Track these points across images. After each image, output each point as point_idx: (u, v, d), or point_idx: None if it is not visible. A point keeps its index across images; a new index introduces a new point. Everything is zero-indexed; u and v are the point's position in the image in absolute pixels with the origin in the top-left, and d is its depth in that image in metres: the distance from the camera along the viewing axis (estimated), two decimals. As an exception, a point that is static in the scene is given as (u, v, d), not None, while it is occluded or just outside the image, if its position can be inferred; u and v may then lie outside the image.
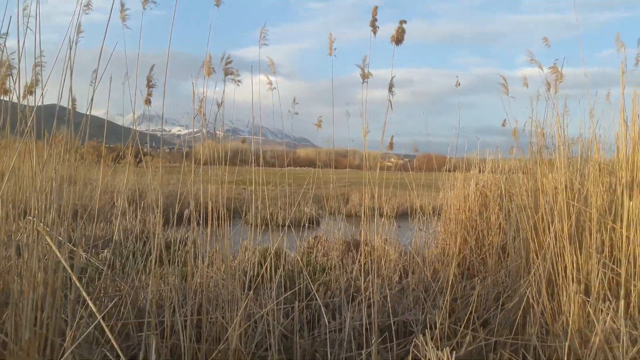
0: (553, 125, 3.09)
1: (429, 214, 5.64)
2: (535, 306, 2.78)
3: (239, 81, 2.83)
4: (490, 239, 4.55)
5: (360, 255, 5.27)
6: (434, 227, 5.29)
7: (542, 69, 3.16)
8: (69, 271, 1.80)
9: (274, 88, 3.08)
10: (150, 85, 2.43)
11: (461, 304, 3.28)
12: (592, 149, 3.06)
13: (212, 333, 2.22)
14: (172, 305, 2.15)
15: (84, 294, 1.64)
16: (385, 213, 6.05)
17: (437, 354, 1.82)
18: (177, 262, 3.32)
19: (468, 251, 4.65)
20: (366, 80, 2.54)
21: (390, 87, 2.49)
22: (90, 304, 1.58)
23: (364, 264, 5.04)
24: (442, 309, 2.58)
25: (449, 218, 5.05)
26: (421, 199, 5.88)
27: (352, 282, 4.43)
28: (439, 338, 2.44)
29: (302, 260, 5.30)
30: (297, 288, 3.71)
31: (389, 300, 3.73)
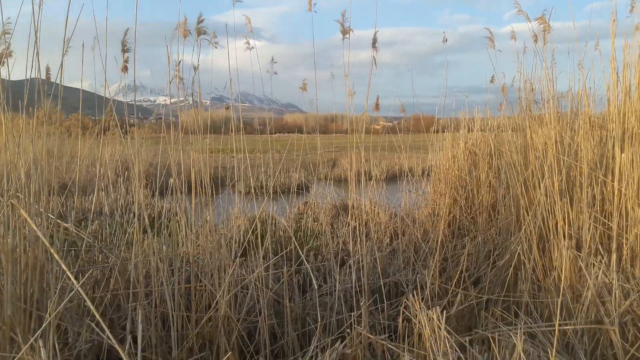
0: (542, 79, 3.01)
1: (419, 175, 5.60)
2: (527, 263, 2.76)
3: (216, 43, 2.71)
4: (480, 197, 4.52)
5: (350, 218, 5.25)
6: (423, 188, 5.26)
7: (530, 21, 3.06)
8: (46, 243, 1.73)
9: (252, 48, 2.96)
10: (125, 49, 2.30)
11: (452, 263, 3.27)
12: (582, 102, 3.00)
13: (201, 301, 2.18)
14: (160, 275, 2.09)
15: (63, 266, 1.57)
16: (374, 176, 6.01)
17: (427, 314, 1.78)
18: (165, 231, 3.26)
19: (458, 211, 4.63)
20: (347, 36, 2.43)
21: (374, 42, 2.38)
22: (69, 274, 1.52)
23: (354, 228, 5.02)
24: (432, 268, 2.55)
25: (438, 179, 5.01)
26: (410, 161, 5.83)
27: (341, 246, 4.41)
28: (429, 298, 2.42)
29: (291, 226, 5.27)
30: (284, 252, 3.68)
31: (378, 262, 3.71)
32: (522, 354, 1.75)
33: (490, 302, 2.61)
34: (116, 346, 1.21)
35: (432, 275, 2.87)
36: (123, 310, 2.42)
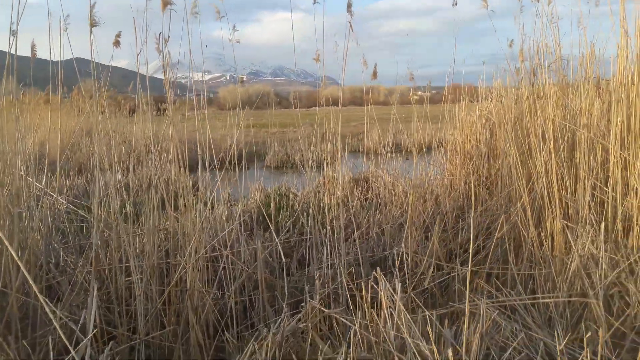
0: (542, 41, 2.85)
1: (440, 146, 5.47)
2: (525, 234, 2.67)
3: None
4: (497, 167, 4.38)
5: (361, 192, 5.21)
6: (441, 160, 5.14)
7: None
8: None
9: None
10: (93, 24, 2.31)
11: (452, 234, 3.20)
12: (585, 65, 2.82)
13: (174, 276, 2.20)
14: (132, 250, 2.14)
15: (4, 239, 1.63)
16: (405, 148, 5.93)
17: (387, 287, 1.76)
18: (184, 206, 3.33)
19: (475, 181, 4.51)
20: None
21: (349, 6, 2.31)
22: (7, 244, 1.58)
23: (367, 201, 4.98)
24: (410, 242, 2.50)
25: (455, 150, 4.88)
26: (439, 133, 5.68)
27: (352, 218, 4.40)
28: (407, 270, 2.38)
29: (308, 199, 5.28)
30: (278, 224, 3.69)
31: (387, 234, 3.69)
32: (484, 325, 1.70)
33: (476, 275, 2.55)
34: (45, 305, 1.26)
35: (431, 249, 2.82)
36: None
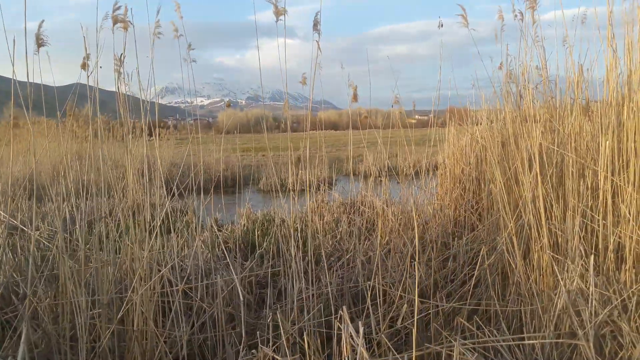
0: (526, 63, 2.72)
1: (431, 170, 5.32)
2: (514, 265, 2.50)
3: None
4: (486, 192, 4.23)
5: (348, 217, 5.04)
6: (430, 184, 4.99)
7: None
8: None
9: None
10: (40, 44, 2.19)
11: (436, 265, 3.02)
12: (572, 86, 2.68)
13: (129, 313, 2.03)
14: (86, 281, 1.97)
15: None
16: (401, 171, 5.78)
17: (350, 330, 1.58)
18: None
19: (464, 207, 4.35)
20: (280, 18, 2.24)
21: (315, 24, 2.19)
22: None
23: (359, 226, 4.81)
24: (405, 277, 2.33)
25: (445, 175, 4.74)
26: (430, 157, 5.55)
27: (336, 245, 4.23)
28: (379, 306, 2.20)
29: (293, 225, 5.11)
30: (256, 253, 3.53)
31: (377, 259, 3.51)
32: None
33: (462, 312, 2.37)
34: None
35: (389, 280, 2.65)
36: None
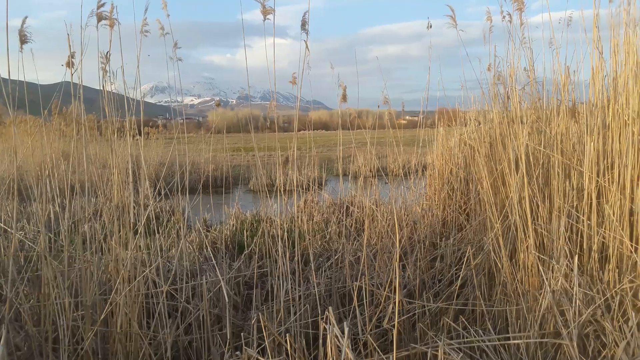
0: (514, 64, 2.74)
1: (420, 171, 5.34)
2: (500, 265, 2.51)
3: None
4: (476, 192, 4.25)
5: (337, 217, 5.03)
6: (420, 185, 5.00)
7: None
8: None
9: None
10: (24, 41, 2.16)
11: (423, 266, 3.02)
12: (559, 86, 2.70)
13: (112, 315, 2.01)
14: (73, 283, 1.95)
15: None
16: (390, 172, 5.79)
17: (335, 331, 1.58)
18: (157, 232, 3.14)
19: (453, 207, 4.36)
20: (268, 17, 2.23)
21: (303, 24, 2.18)
22: None
23: (347, 226, 4.81)
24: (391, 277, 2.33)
25: (434, 176, 4.75)
26: (419, 158, 5.57)
27: (325, 245, 4.23)
28: (366, 307, 2.20)
29: (282, 225, 5.10)
30: (244, 254, 3.52)
31: (363, 259, 3.51)
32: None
33: (449, 312, 2.37)
34: None
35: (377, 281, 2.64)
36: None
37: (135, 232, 2.25)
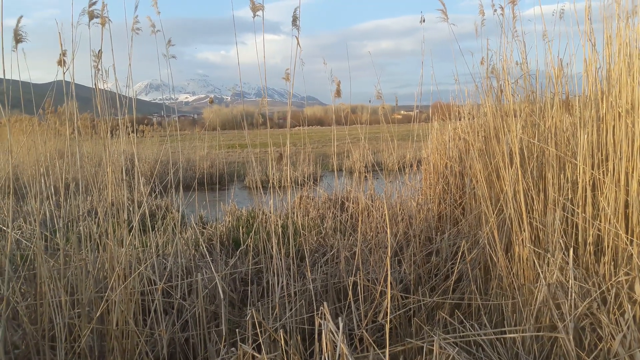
0: (506, 57, 2.74)
1: (415, 165, 5.34)
2: (495, 259, 2.51)
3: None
4: (471, 186, 4.25)
5: (333, 213, 5.03)
6: (415, 179, 5.00)
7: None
8: None
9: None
10: (18, 40, 2.15)
11: (420, 260, 3.03)
12: (553, 79, 2.70)
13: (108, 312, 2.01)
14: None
15: None
16: (385, 167, 5.78)
17: (329, 326, 1.58)
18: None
19: (448, 201, 4.37)
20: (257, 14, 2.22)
21: (294, 20, 2.17)
22: None
23: (342, 222, 4.81)
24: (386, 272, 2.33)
25: (429, 170, 4.75)
26: (415, 153, 5.58)
27: (322, 240, 4.22)
28: (361, 302, 2.20)
29: (277, 221, 5.10)
30: (239, 250, 3.51)
31: (358, 255, 3.51)
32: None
33: (445, 306, 2.38)
34: None
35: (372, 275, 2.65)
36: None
37: (130, 230, 2.24)
